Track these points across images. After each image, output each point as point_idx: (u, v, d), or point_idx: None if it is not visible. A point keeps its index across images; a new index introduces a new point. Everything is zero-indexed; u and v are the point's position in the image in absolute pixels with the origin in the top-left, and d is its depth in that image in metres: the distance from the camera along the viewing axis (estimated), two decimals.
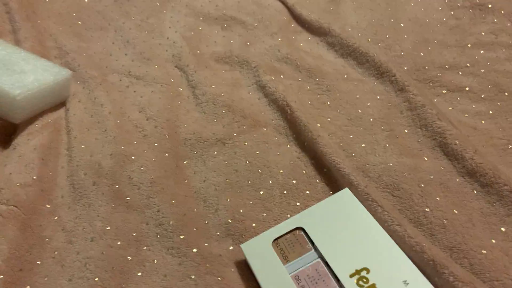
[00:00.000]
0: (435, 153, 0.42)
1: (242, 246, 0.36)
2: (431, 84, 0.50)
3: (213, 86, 0.52)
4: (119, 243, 0.37)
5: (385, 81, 0.50)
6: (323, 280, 0.32)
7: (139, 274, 0.35)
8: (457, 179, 0.39)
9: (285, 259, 0.34)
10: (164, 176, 0.42)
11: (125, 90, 0.53)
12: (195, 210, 0.40)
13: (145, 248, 0.37)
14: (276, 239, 0.35)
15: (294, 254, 0.34)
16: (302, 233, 0.35)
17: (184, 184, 0.42)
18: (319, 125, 0.47)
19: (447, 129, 0.42)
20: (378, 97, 0.49)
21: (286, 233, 0.36)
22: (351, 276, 0.32)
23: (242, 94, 0.52)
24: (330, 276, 0.32)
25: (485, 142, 0.43)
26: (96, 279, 0.34)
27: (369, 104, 0.49)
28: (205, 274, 0.35)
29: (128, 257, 0.36)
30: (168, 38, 0.59)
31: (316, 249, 0.34)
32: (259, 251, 0.35)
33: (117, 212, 0.39)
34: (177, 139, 0.47)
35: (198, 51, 0.58)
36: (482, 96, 0.47)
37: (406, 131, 0.45)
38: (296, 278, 0.33)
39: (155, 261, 0.36)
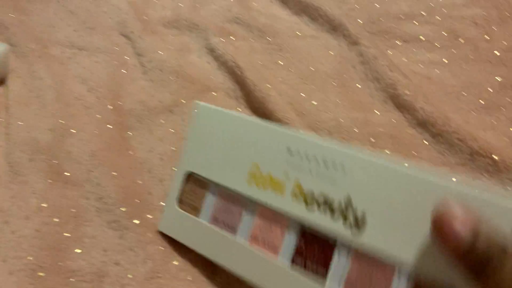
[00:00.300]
0: (386, 106, 0.40)
1: (160, 228, 0.34)
2: (386, 36, 0.48)
3: (160, 52, 0.49)
4: (56, 220, 0.35)
5: (338, 36, 0.48)
6: (232, 202, 0.31)
7: (78, 250, 0.34)
8: (408, 131, 0.38)
9: (196, 211, 0.33)
10: (106, 149, 0.40)
11: (67, 62, 0.50)
12: (139, 181, 0.38)
13: (85, 224, 0.35)
14: (179, 199, 0.34)
15: (200, 201, 0.33)
16: (194, 176, 0.34)
17: (129, 156, 0.40)
18: (269, 85, 0.45)
19: (398, 80, 0.40)
20: (331, 52, 0.47)
21: (183, 188, 0.34)
22: (249, 182, 0.30)
23: (191, 59, 0.49)
24: (234, 195, 0.31)
25: (438, 91, 0.41)
26: (31, 258, 0.33)
27: (322, 60, 0.46)
28: (147, 245, 0.34)
29: (66, 234, 0.34)
30: (113, 4, 0.56)
31: (211, 181, 0.33)
32: (173, 221, 0.34)
33: (55, 188, 0.37)
34: (122, 109, 0.44)
35: (145, 17, 0.54)
36: (437, 45, 0.45)
37: (358, 85, 0.43)
38: (214, 220, 0.32)
39: (95, 236, 0.34)
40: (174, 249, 0.34)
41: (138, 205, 0.36)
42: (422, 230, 0.23)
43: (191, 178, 0.34)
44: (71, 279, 0.32)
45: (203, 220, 0.32)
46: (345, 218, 0.26)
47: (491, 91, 0.40)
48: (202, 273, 0.33)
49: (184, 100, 0.45)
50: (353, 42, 0.46)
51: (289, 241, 0.28)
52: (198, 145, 0.33)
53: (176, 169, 0.35)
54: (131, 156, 0.40)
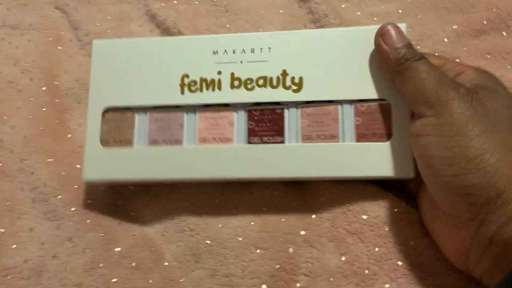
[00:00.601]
0: None
1: (84, 176, 0.31)
2: None
3: (97, 24, 0.46)
4: None
5: None
6: (168, 118, 0.31)
7: (14, 246, 0.32)
8: None
9: (127, 143, 0.31)
10: (40, 134, 0.37)
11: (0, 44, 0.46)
12: (78, 165, 0.36)
13: (20, 217, 0.33)
14: (102, 139, 0.32)
15: (129, 131, 0.31)
16: (112, 111, 0.32)
17: (66, 140, 0.38)
18: None
19: None
20: (280, 11, 0.44)
21: (104, 127, 0.32)
22: (182, 91, 0.31)
23: (132, 28, 0.46)
24: (169, 110, 0.31)
25: None
26: None
27: (270, 20, 0.43)
28: (85, 233, 0.32)
29: (1, 230, 0.32)
30: None
31: (138, 107, 0.32)
32: (101, 164, 0.31)
33: None
34: (58, 89, 0.41)
35: None
36: None
37: None
38: (153, 142, 0.31)
39: (31, 229, 0.32)
40: (116, 234, 0.32)
41: (76, 191, 0.34)
42: (349, 70, 0.29)
43: (109, 114, 0.32)
44: (7, 277, 0.30)
45: (139, 147, 0.31)
46: (285, 86, 0.29)
47: (446, 41, 0.38)
48: (149, 258, 0.31)
49: None
50: None
51: (238, 127, 0.30)
52: (108, 79, 0.32)
53: (89, 110, 0.32)
54: (69, 140, 0.38)
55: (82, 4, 0.48)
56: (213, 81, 0.30)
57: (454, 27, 0.38)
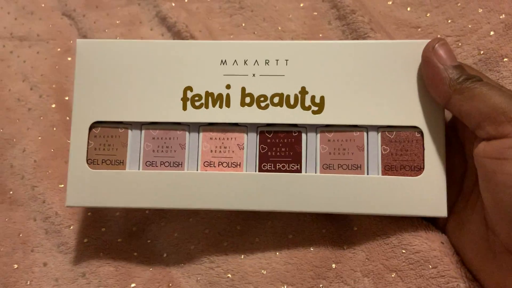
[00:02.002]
0: None
1: (68, 203, 0.27)
2: None
3: (106, 31, 0.43)
4: (2, 249, 0.32)
5: None
6: (168, 137, 0.27)
7: (28, 283, 0.30)
8: None
9: (120, 164, 0.27)
10: (51, 157, 0.36)
11: (8, 57, 0.44)
12: None
13: (34, 250, 0.32)
14: (89, 159, 0.27)
15: (122, 150, 0.27)
16: (101, 126, 0.28)
17: None
18: None
19: None
20: (301, 4, 0.39)
21: (90, 145, 0.28)
22: (184, 107, 0.26)
23: (142, 32, 0.43)
24: (169, 128, 0.27)
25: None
26: None
27: (290, 16, 0.39)
28: (99, 268, 0.30)
29: (14, 265, 0.31)
30: None
31: (132, 123, 0.27)
32: (88, 188, 0.26)
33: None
34: (68, 106, 0.39)
35: None
36: None
37: None
38: (149, 165, 0.27)
39: (45, 263, 0.31)
40: (131, 268, 0.30)
41: (89, 218, 0.32)
42: (378, 91, 0.25)
43: (98, 129, 0.27)
44: None
45: (133, 170, 0.27)
46: (304, 106, 0.25)
47: (493, 35, 0.32)
48: None
49: None
50: None
51: (249, 151, 0.26)
52: (96, 87, 0.27)
53: (73, 123, 0.27)
54: None
55: (90, 9, 0.45)
56: (220, 96, 0.26)
57: (501, 17, 0.33)
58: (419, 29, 0.34)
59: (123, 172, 0.26)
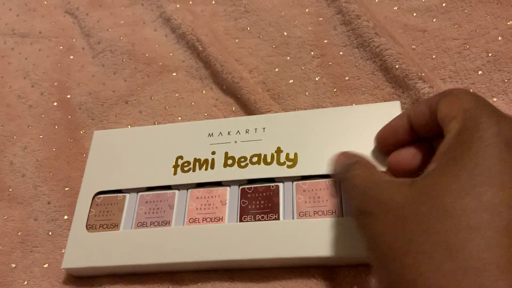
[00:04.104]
0: (375, 80, 0.33)
1: (64, 265, 0.28)
2: None
3: (109, 30, 0.43)
4: (0, 247, 0.31)
5: None
6: (158, 200, 0.29)
7: (25, 283, 0.30)
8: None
9: (115, 227, 0.28)
10: (53, 157, 0.35)
11: (9, 54, 0.44)
12: None
13: (32, 250, 0.31)
14: (88, 224, 0.29)
15: (118, 214, 0.29)
16: (102, 195, 0.30)
17: (81, 162, 0.35)
18: (237, 60, 0.38)
19: (386, 48, 0.33)
20: (307, 10, 0.39)
21: (91, 212, 0.30)
22: (175, 172, 0.29)
23: (146, 33, 0.43)
24: (159, 192, 0.29)
25: (436, 49, 0.34)
26: None
27: (296, 22, 0.39)
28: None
29: (12, 265, 0.30)
30: None
31: (128, 189, 0.30)
32: (85, 250, 0.28)
33: None
34: (70, 104, 0.39)
35: None
36: None
37: (341, 53, 0.36)
38: (141, 225, 0.28)
39: (46, 265, 0.30)
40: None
41: None
42: (345, 147, 0.26)
43: (99, 198, 0.30)
44: None
45: (125, 230, 0.28)
46: (279, 162, 0.28)
47: (501, 40, 0.33)
48: None
49: (140, 88, 0.38)
50: None
51: (231, 205, 0.28)
52: (103, 166, 0.31)
53: (79, 196, 0.30)
54: (85, 162, 0.35)
55: (93, 8, 0.45)
56: (206, 160, 0.29)
57: (508, 23, 0.33)
58: (426, 33, 0.35)
59: (116, 233, 0.28)
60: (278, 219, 0.26)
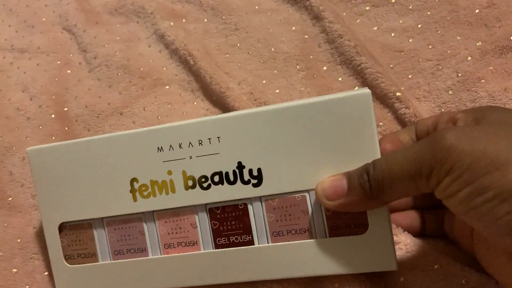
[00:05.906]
0: None
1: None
2: (353, 1, 0.43)
3: (106, 46, 0.45)
4: (0, 253, 0.32)
5: (300, 8, 0.43)
6: (128, 227, 0.28)
7: (27, 287, 0.31)
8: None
9: (93, 257, 0.29)
10: None
11: (8, 69, 0.45)
12: None
13: (32, 257, 0.32)
14: (66, 255, 0.30)
15: (92, 243, 0.29)
16: (68, 224, 0.30)
17: None
18: (227, 74, 0.40)
19: (367, 67, 0.36)
20: (293, 28, 0.42)
21: (64, 242, 0.30)
22: (134, 198, 0.28)
23: (140, 49, 0.45)
24: (126, 219, 0.29)
25: (412, 69, 0.37)
26: None
27: (283, 38, 0.42)
28: None
29: (14, 270, 0.32)
30: None
31: (92, 220, 0.29)
32: (70, 283, 0.29)
33: None
34: (67, 116, 0.40)
35: (88, 5, 0.49)
36: (410, 7, 0.40)
37: (324, 68, 0.38)
38: (117, 254, 0.29)
39: (46, 272, 0.32)
40: None
41: None
42: (314, 153, 0.25)
43: (66, 228, 0.30)
44: None
45: (104, 262, 0.29)
46: (243, 180, 0.26)
47: (470, 60, 0.35)
48: None
49: (134, 100, 0.40)
50: (315, 16, 0.41)
51: (202, 228, 0.27)
52: (54, 190, 0.29)
53: (44, 226, 0.30)
54: None
55: (90, 25, 0.47)
56: (164, 183, 0.27)
57: (478, 44, 0.36)
58: (402, 53, 0.37)
59: (96, 265, 0.29)
60: (252, 241, 0.27)
